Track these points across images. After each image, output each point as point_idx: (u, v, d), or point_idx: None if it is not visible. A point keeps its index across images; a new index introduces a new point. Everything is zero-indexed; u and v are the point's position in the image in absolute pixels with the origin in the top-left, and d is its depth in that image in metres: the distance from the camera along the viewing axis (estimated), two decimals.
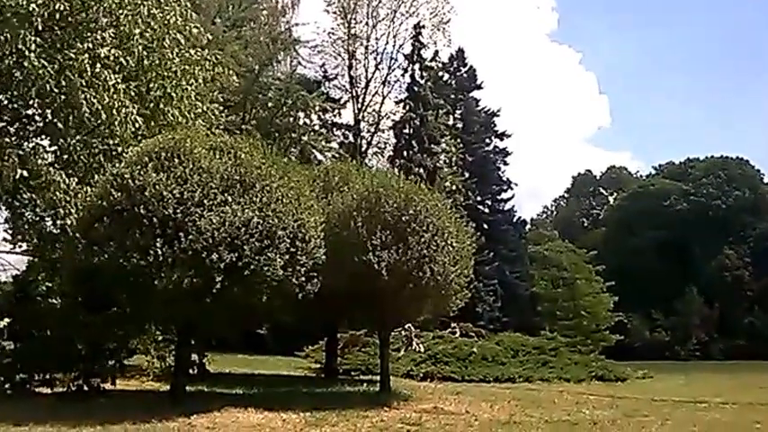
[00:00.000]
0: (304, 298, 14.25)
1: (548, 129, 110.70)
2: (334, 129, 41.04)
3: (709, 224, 62.64)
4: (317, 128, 38.81)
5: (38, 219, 17.07)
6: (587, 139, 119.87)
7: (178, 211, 12.62)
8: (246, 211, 13.02)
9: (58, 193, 15.07)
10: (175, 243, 12.46)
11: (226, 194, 13.19)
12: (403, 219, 14.90)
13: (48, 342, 15.00)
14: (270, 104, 34.18)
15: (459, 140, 44.38)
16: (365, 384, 18.01)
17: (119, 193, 12.79)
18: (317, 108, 35.99)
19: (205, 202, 12.86)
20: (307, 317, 17.38)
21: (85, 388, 14.82)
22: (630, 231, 64.41)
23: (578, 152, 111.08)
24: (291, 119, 35.23)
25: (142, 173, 12.87)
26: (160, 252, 12.31)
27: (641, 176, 79.04)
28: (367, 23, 40.50)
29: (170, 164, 13.15)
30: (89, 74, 14.83)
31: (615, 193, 79.60)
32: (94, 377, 14.97)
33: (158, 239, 12.39)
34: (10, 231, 18.00)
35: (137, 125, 15.61)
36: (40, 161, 14.81)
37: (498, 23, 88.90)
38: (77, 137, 16.17)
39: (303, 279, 13.92)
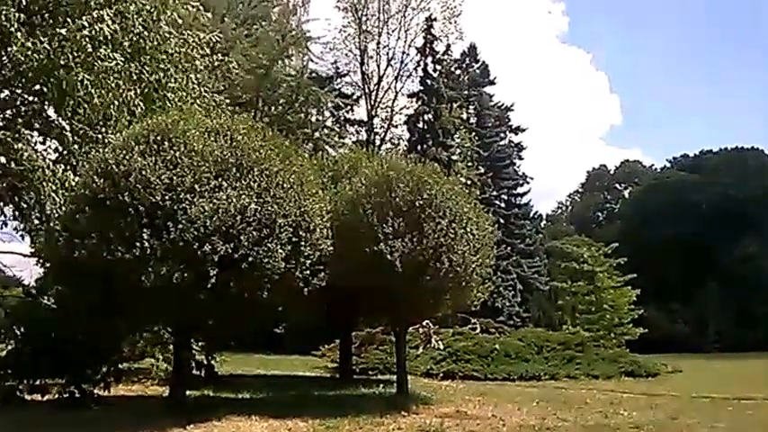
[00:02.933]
0: (310, 293, 12.50)
1: (561, 128, 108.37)
2: (348, 125, 39.45)
3: (726, 215, 60.25)
4: (329, 124, 37.24)
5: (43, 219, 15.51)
6: (600, 138, 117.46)
7: (167, 198, 10.91)
8: (243, 197, 11.30)
9: (46, 184, 13.47)
10: (164, 234, 10.75)
11: (220, 179, 11.47)
12: (416, 204, 13.04)
13: (39, 346, 13.41)
14: (281, 101, 32.58)
15: (473, 134, 42.48)
16: (382, 385, 16.20)
17: (102, 181, 11.12)
18: (329, 104, 34.33)
19: (196, 187, 11.13)
20: (316, 314, 15.65)
21: (77, 395, 13.15)
22: (647, 224, 62.15)
23: (592, 150, 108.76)
24: (303, 115, 33.61)
25: (128, 157, 11.18)
26: (147, 244, 10.61)
27: (656, 170, 76.48)
28: (378, 19, 38.91)
29: (159, 147, 11.46)
30: (86, 53, 13.23)
31: (630, 188, 77.19)
32: (87, 383, 13.29)
33: (145, 230, 10.70)
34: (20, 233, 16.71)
35: (138, 110, 14.01)
36: (22, 146, 13.06)
37: (510, 28, 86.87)
38: (71, 123, 14.66)
39: (308, 272, 12.18)
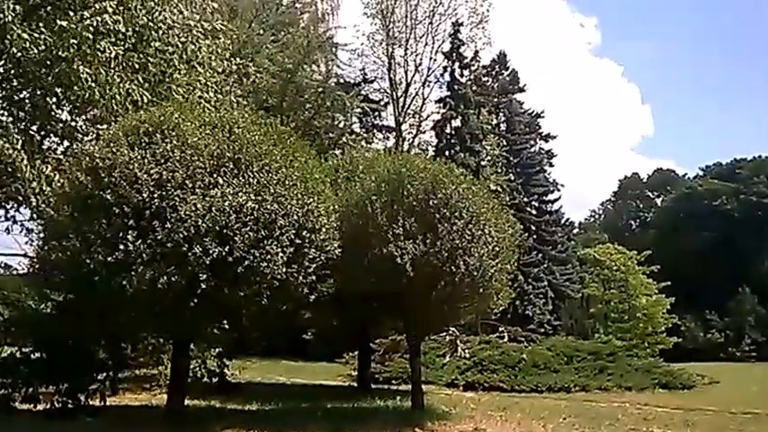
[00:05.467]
0: (317, 300, 11.15)
1: (593, 138, 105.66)
2: (375, 131, 38.10)
3: (760, 223, 57.83)
4: (356, 129, 35.99)
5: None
6: (632, 149, 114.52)
7: (155, 195, 9.68)
8: (240, 194, 9.99)
9: (34, 184, 12.31)
10: (150, 234, 9.50)
11: (215, 175, 10.19)
12: (431, 203, 11.60)
13: (34, 353, 12.35)
14: (308, 106, 31.47)
15: (502, 140, 40.75)
16: (399, 398, 14.72)
17: (85, 176, 9.94)
18: (355, 109, 33.11)
19: (188, 183, 9.89)
20: (326, 322, 14.28)
21: (71, 405, 11.98)
22: (680, 233, 59.82)
23: (624, 160, 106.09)
24: (330, 120, 32.44)
25: (114, 151, 9.97)
26: (131, 246, 9.37)
27: (688, 178, 73.74)
28: (406, 25, 37.50)
29: (150, 140, 10.25)
30: (87, 45, 12.15)
31: (662, 196, 74.55)
32: (82, 392, 12.12)
33: (130, 231, 9.46)
34: None
35: (143, 104, 12.86)
36: (5, 143, 11.94)
37: (542, 40, 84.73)
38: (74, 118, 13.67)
39: (313, 277, 10.80)
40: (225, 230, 9.77)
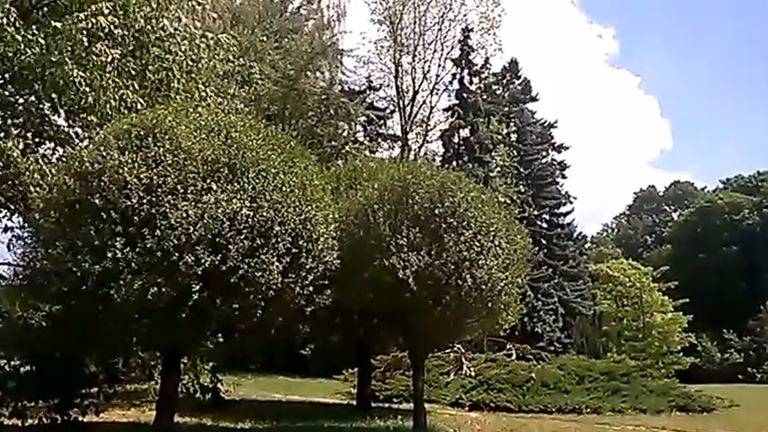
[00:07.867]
0: (315, 313, 10.94)
1: (608, 151, 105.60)
2: (380, 139, 37.96)
3: None
4: (360, 137, 35.84)
5: None
6: (649, 162, 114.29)
7: (144, 200, 9.51)
8: (234, 200, 9.83)
9: (32, 189, 12.20)
10: (139, 242, 9.32)
11: (209, 181, 10.02)
12: (437, 212, 11.38)
13: (20, 366, 12.18)
14: (310, 113, 31.34)
15: (513, 150, 40.48)
16: (400, 417, 14.45)
17: (72, 181, 9.79)
18: (360, 117, 32.99)
19: (179, 188, 9.71)
20: (324, 337, 14.04)
21: (59, 421, 11.79)
22: (699, 248, 59.28)
23: (640, 174, 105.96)
24: (333, 128, 32.30)
25: (104, 154, 9.82)
26: (120, 254, 9.19)
27: (707, 191, 73.27)
28: (414, 31, 37.33)
29: (141, 144, 10.11)
30: (82, 48, 12.07)
31: (679, 210, 74.11)
32: (71, 407, 11.93)
33: (118, 238, 9.28)
34: None
35: (138, 105, 12.76)
36: (10, 144, 11.88)
37: (559, 50, 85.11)
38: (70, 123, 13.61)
39: (311, 288, 10.61)
40: (218, 239, 9.63)
